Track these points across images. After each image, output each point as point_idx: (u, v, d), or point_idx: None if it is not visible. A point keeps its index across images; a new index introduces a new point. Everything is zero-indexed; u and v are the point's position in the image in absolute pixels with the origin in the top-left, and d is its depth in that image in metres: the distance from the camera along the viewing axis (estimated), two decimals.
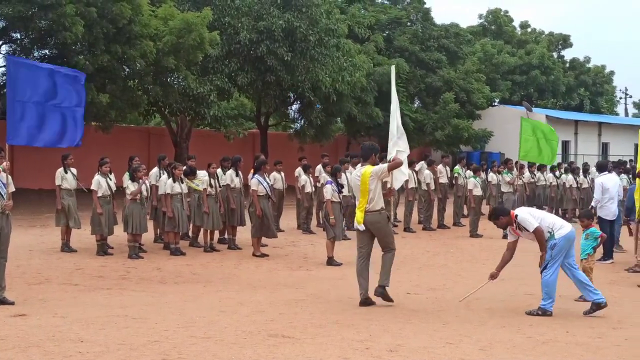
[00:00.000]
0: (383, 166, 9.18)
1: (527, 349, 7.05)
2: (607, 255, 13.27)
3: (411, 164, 16.77)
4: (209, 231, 13.86)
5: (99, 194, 12.85)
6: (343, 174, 14.38)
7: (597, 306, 8.59)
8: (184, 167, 13.88)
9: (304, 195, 17.00)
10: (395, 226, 16.88)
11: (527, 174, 21.03)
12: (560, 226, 8.72)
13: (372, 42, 31.72)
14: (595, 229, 10.40)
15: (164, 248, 13.66)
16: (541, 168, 21.55)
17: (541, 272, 8.69)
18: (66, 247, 13.26)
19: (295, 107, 30.49)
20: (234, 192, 14.11)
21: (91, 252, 13.01)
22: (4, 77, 18.13)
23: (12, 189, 8.96)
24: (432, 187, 18.45)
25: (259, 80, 25.10)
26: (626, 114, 63.71)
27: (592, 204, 13.82)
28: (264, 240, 13.74)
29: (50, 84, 9.42)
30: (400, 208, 18.52)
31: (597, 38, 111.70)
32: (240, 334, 7.35)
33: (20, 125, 9.06)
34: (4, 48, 21.33)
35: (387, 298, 9.00)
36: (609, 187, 13.53)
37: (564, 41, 51.16)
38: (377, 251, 9.20)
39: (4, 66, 18.72)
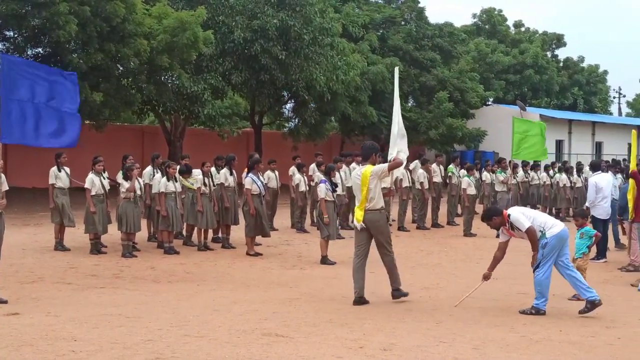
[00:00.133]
0: (383, 166, 9.22)
1: (521, 348, 7.06)
2: (600, 254, 13.30)
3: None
4: (202, 230, 13.86)
5: (93, 193, 12.84)
6: (337, 173, 14.39)
7: (592, 304, 8.56)
8: (179, 166, 13.87)
9: (298, 194, 16.98)
10: (390, 225, 16.86)
11: (520, 173, 21.08)
12: (551, 225, 8.73)
13: (366, 41, 31.76)
14: (590, 228, 10.45)
15: (157, 247, 13.64)
16: (535, 167, 21.59)
17: (534, 272, 8.71)
18: (60, 246, 13.22)
19: (289, 106, 30.53)
20: (228, 190, 14.09)
21: (85, 250, 12.99)
22: None
23: (5, 187, 8.94)
24: (426, 186, 18.48)
25: (253, 79, 25.07)
26: (620, 114, 63.98)
27: (587, 204, 13.84)
28: (257, 239, 13.74)
29: (45, 84, 9.38)
30: (394, 207, 18.54)
31: (590, 37, 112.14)
32: (233, 333, 7.34)
33: (14, 124, 9.02)
34: None
35: (403, 294, 9.22)
36: (603, 186, 13.55)
37: (558, 40, 51.31)
38: (375, 251, 9.22)
39: None
